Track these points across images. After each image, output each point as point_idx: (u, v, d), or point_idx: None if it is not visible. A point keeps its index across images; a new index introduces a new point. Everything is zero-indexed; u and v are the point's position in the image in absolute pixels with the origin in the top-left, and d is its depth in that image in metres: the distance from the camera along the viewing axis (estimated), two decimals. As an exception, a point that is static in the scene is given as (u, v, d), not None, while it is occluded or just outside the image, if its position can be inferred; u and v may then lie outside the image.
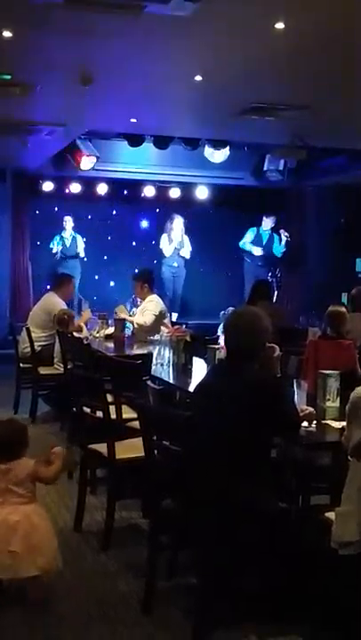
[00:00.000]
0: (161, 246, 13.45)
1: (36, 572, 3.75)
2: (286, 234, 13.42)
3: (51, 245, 13.27)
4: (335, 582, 3.41)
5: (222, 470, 3.50)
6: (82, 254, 13.42)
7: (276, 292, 12.17)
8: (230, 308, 11.79)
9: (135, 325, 8.02)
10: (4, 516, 3.78)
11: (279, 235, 13.44)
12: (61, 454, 4.05)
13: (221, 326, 10.44)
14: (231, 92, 7.82)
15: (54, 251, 13.26)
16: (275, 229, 13.57)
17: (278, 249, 13.51)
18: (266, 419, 3.59)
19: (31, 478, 3.91)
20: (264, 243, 13.55)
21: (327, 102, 8.04)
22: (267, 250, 13.55)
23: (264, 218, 13.54)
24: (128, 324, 8.26)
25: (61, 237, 13.34)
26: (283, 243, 13.43)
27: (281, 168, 12.80)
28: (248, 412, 3.54)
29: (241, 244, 13.58)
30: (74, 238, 13.38)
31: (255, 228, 13.59)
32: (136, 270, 8.97)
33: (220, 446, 3.52)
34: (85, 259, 13.54)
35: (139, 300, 8.52)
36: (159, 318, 8.03)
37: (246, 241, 13.54)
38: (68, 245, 13.34)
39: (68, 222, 13.37)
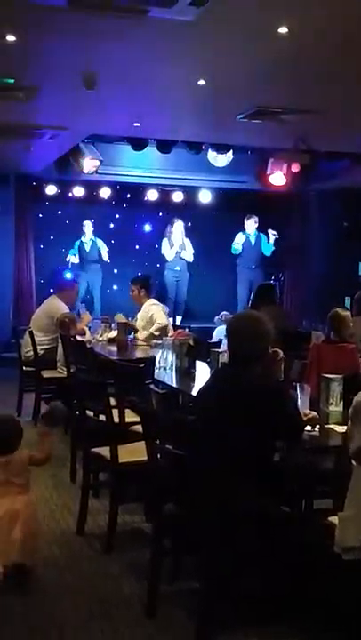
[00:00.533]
0: (162, 251, 13.46)
1: (35, 555, 4.15)
2: (274, 232, 13.45)
3: (70, 252, 13.29)
4: (338, 586, 3.41)
5: (225, 474, 3.50)
6: (105, 258, 13.38)
7: (279, 296, 12.17)
8: (224, 313, 11.88)
9: (141, 337, 7.98)
10: (8, 506, 4.05)
11: (267, 234, 13.47)
12: (46, 433, 4.49)
13: (216, 331, 10.48)
14: (234, 96, 7.83)
15: (69, 259, 13.28)
16: (260, 229, 13.59)
17: (268, 248, 13.52)
18: (268, 423, 3.59)
19: (27, 466, 4.23)
20: (253, 244, 13.55)
21: (331, 106, 8.04)
22: (257, 251, 13.56)
23: (246, 220, 13.54)
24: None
25: (81, 242, 13.36)
26: (271, 241, 13.45)
27: (284, 172, 12.81)
28: (250, 416, 3.54)
29: (233, 250, 13.59)
30: (94, 242, 13.39)
31: (242, 233, 13.61)
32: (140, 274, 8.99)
33: (222, 450, 3.52)
34: (108, 261, 13.53)
35: (138, 305, 8.49)
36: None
37: (238, 242, 13.54)
38: (87, 250, 13.36)
39: (88, 226, 13.38)
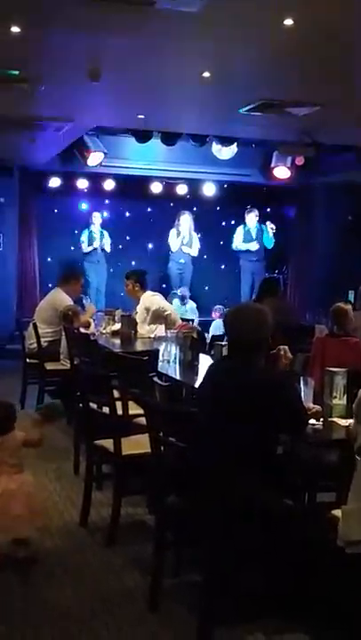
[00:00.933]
0: (169, 241, 13.47)
1: (33, 532, 4.37)
2: (272, 225, 13.47)
3: (81, 239, 13.32)
4: (340, 581, 3.41)
5: (228, 467, 3.49)
6: (107, 249, 13.48)
7: (283, 289, 12.17)
8: (218, 307, 11.87)
9: (141, 331, 7.96)
10: (4, 485, 4.20)
11: (266, 227, 13.50)
12: (39, 422, 4.61)
13: (213, 324, 10.47)
14: (239, 89, 7.81)
15: (85, 247, 13.31)
16: (262, 222, 13.60)
17: (269, 241, 13.53)
18: (272, 416, 3.59)
19: (20, 447, 4.39)
20: (255, 238, 13.56)
21: (336, 99, 8.01)
22: (259, 244, 13.59)
23: (246, 214, 13.54)
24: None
25: (90, 232, 13.37)
26: (270, 235, 13.48)
27: (289, 165, 12.79)
28: (254, 409, 3.54)
29: (234, 246, 13.61)
30: (102, 233, 13.42)
31: (242, 227, 13.62)
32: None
33: (225, 444, 3.52)
34: (110, 252, 13.62)
35: (134, 299, 8.42)
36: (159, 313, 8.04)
37: (238, 241, 13.56)
38: (96, 241, 13.40)
39: (97, 218, 13.41)
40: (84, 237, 13.39)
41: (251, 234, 13.56)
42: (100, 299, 13.02)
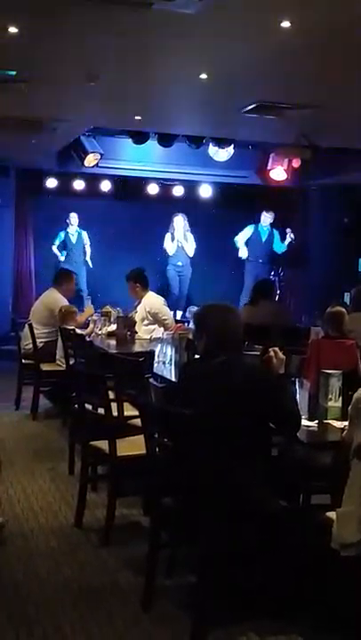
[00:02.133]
0: (164, 245, 13.47)
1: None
2: (292, 235, 13.47)
3: (54, 242, 13.30)
4: (336, 582, 3.41)
5: (223, 468, 3.50)
6: (87, 250, 13.46)
7: (278, 292, 12.18)
8: (192, 307, 11.85)
9: (139, 331, 7.96)
10: None
11: (283, 232, 13.48)
12: None
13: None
14: (236, 91, 7.82)
15: (55, 247, 13.29)
16: (274, 225, 13.60)
17: (280, 246, 13.54)
18: (267, 416, 3.60)
19: None
20: (264, 239, 13.57)
21: (333, 101, 8.02)
22: (267, 247, 13.58)
23: (263, 213, 13.55)
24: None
25: (66, 233, 13.37)
26: (286, 242, 13.48)
27: (285, 167, 12.80)
28: (249, 409, 3.54)
29: (235, 238, 13.59)
30: (79, 234, 13.40)
31: (253, 225, 13.62)
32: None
33: (220, 445, 3.52)
34: (91, 254, 13.59)
35: (136, 299, 8.42)
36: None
37: (240, 238, 13.55)
38: (74, 241, 13.37)
39: (73, 218, 13.40)
40: (57, 240, 13.34)
41: (261, 235, 13.55)
42: (81, 302, 12.96)
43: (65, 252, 13.38)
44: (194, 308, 12.05)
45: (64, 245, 13.40)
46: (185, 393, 3.91)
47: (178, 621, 3.65)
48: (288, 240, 13.48)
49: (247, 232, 13.60)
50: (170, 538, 4.02)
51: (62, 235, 13.36)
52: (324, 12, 5.51)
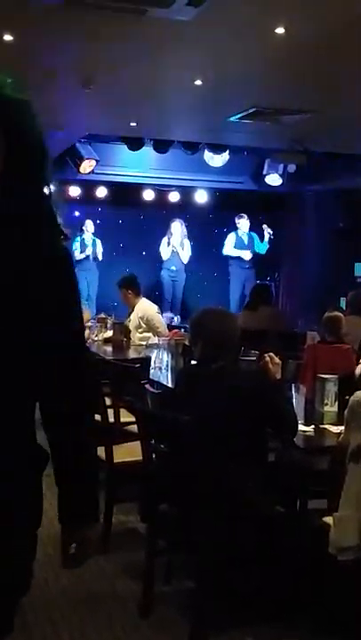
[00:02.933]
0: (160, 249, 13.49)
1: None
2: (270, 230, 13.48)
3: (74, 246, 13.28)
4: (334, 586, 3.41)
5: (220, 474, 3.50)
6: (100, 257, 13.44)
7: (274, 296, 12.19)
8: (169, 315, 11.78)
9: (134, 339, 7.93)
10: None
11: (259, 234, 13.50)
12: None
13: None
14: (231, 97, 7.84)
15: (77, 253, 13.28)
16: (253, 229, 13.62)
17: (261, 247, 13.56)
18: (265, 421, 3.60)
19: None
20: (247, 245, 13.57)
21: (327, 107, 8.05)
22: (250, 250, 13.60)
23: (237, 220, 13.54)
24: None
25: (82, 239, 13.36)
26: (265, 240, 13.48)
27: (281, 172, 12.83)
28: (247, 414, 3.54)
29: (225, 252, 13.59)
30: (94, 242, 13.40)
31: (234, 233, 13.63)
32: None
33: (217, 451, 3.52)
34: (101, 259, 13.61)
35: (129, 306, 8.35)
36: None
37: (229, 247, 13.56)
38: (88, 248, 13.36)
39: (89, 225, 13.39)
40: (77, 245, 13.37)
41: (243, 240, 13.57)
42: (91, 306, 13.00)
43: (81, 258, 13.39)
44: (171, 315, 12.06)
45: (81, 251, 13.39)
46: (182, 399, 3.91)
47: (177, 627, 3.65)
48: (267, 237, 13.49)
49: (231, 240, 13.60)
50: (167, 544, 4.02)
51: (78, 240, 13.33)
52: (319, 19, 5.53)
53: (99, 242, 13.45)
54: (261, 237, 13.65)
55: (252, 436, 3.60)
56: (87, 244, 13.35)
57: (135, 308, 8.05)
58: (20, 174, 1.81)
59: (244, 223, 13.57)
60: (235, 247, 13.60)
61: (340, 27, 5.65)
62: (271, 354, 3.85)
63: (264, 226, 13.60)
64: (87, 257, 13.33)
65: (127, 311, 8.43)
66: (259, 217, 14.05)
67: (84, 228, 13.37)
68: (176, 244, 13.40)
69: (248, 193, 13.83)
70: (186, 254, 13.46)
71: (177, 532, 3.85)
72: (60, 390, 1.84)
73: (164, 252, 13.44)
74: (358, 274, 13.09)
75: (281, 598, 3.60)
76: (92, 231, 13.45)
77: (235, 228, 13.77)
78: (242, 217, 13.58)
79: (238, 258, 13.58)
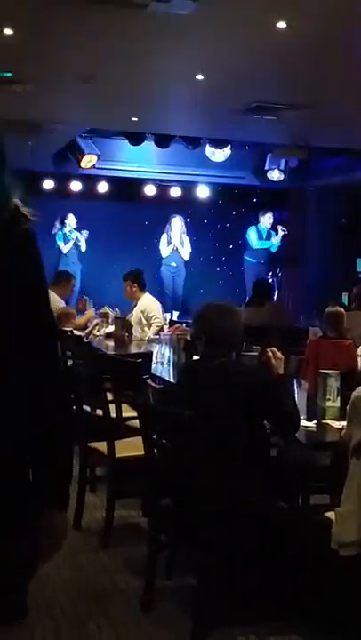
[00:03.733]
0: (160, 246, 13.46)
1: None
2: (284, 229, 13.50)
3: (58, 242, 13.32)
4: (335, 583, 3.41)
5: (222, 470, 3.49)
6: (83, 249, 13.50)
7: (276, 292, 12.19)
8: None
9: (151, 334, 7.94)
10: None
11: (276, 230, 13.51)
12: None
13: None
14: (232, 91, 7.82)
15: (62, 247, 13.31)
16: (273, 226, 13.64)
17: (274, 244, 13.57)
18: (267, 416, 3.59)
19: None
20: (265, 239, 13.61)
21: (329, 102, 8.03)
22: (267, 247, 13.63)
23: (262, 215, 13.56)
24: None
25: (64, 234, 13.38)
26: (278, 237, 13.50)
27: (282, 168, 12.80)
28: (249, 409, 3.54)
29: (256, 245, 13.57)
30: (73, 234, 13.41)
31: (254, 227, 13.64)
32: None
33: (219, 445, 3.52)
34: (85, 254, 13.66)
35: (132, 301, 8.41)
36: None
37: (255, 241, 13.58)
38: (71, 242, 13.41)
39: (70, 219, 13.41)
40: (59, 240, 13.41)
41: (262, 235, 13.59)
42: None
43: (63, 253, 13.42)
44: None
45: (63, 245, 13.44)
46: (184, 394, 3.91)
47: (178, 622, 3.65)
48: (280, 234, 13.50)
49: (254, 234, 13.63)
50: (169, 539, 4.02)
51: (60, 235, 13.37)
52: (320, 13, 5.51)
53: (79, 234, 13.50)
54: (275, 235, 13.66)
55: (254, 431, 3.59)
56: (70, 237, 13.37)
57: (138, 303, 8.11)
58: None
59: (267, 219, 13.58)
60: (258, 240, 13.62)
61: (342, 21, 5.64)
62: (274, 349, 3.84)
63: (279, 226, 13.62)
64: (70, 250, 13.35)
65: (130, 305, 8.47)
66: (263, 212, 14.02)
67: (65, 221, 13.39)
68: (176, 241, 13.36)
69: (250, 188, 13.81)
70: (186, 251, 13.44)
71: (178, 527, 3.85)
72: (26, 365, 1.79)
73: (164, 249, 13.41)
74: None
75: (282, 595, 3.60)
76: (74, 223, 13.46)
77: (237, 223, 13.74)
78: (266, 213, 13.62)
79: (255, 253, 13.60)
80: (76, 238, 13.49)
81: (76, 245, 13.42)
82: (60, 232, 13.43)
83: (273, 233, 13.65)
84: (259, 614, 3.66)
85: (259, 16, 5.61)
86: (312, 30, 5.86)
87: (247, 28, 5.86)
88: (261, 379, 3.72)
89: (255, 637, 3.53)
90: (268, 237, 13.64)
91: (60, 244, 13.36)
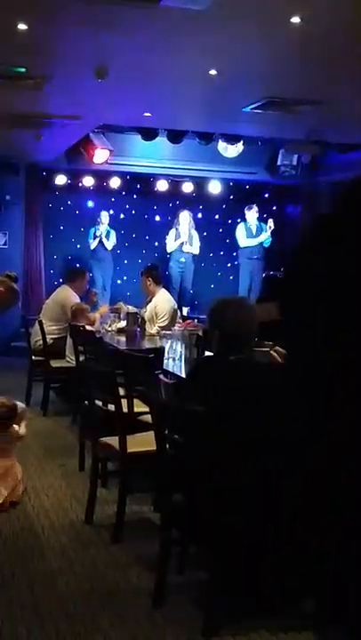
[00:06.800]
0: (166, 241, 13.38)
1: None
2: (271, 224, 13.37)
3: (89, 240, 13.29)
4: (345, 578, 3.40)
5: (233, 466, 3.49)
6: (109, 247, 13.37)
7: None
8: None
9: (153, 331, 7.98)
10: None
11: (266, 224, 13.43)
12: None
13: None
14: (246, 87, 7.81)
15: (92, 243, 13.30)
16: (262, 220, 13.52)
17: (266, 240, 13.45)
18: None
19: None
20: (255, 235, 13.45)
21: (342, 97, 8.00)
22: (259, 242, 13.52)
23: (246, 211, 13.42)
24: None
25: (97, 230, 13.33)
26: (268, 233, 13.36)
27: (295, 163, 12.76)
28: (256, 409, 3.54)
29: (241, 245, 13.45)
30: (108, 232, 13.38)
31: (243, 223, 13.51)
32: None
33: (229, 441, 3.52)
34: (118, 251, 13.68)
35: (148, 295, 8.52)
36: (173, 316, 8.10)
37: (243, 239, 13.43)
38: (103, 240, 13.35)
39: (104, 217, 13.39)
40: (90, 236, 13.38)
41: (251, 231, 13.47)
42: (106, 296, 13.03)
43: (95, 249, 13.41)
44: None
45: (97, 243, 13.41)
46: (198, 390, 3.91)
47: (190, 617, 3.66)
48: (269, 230, 13.35)
49: (242, 231, 13.49)
50: (181, 534, 4.03)
51: (93, 231, 13.32)
52: (334, 8, 5.49)
53: (113, 233, 13.42)
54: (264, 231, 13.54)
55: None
56: (102, 235, 13.30)
57: (154, 299, 8.20)
58: None
59: (252, 214, 13.43)
60: (247, 237, 13.51)
61: (356, 15, 5.61)
62: (278, 348, 3.85)
63: (270, 220, 13.51)
64: (101, 247, 13.31)
65: (144, 301, 8.54)
66: (272, 208, 13.99)
67: (99, 219, 13.35)
68: (185, 236, 13.29)
69: (262, 184, 13.77)
70: (196, 246, 13.36)
71: (190, 522, 3.85)
72: None
73: (171, 244, 13.28)
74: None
75: (296, 589, 3.60)
76: (108, 222, 13.43)
77: (244, 218, 13.70)
78: (251, 207, 13.47)
79: (245, 249, 13.47)
80: (107, 234, 13.37)
81: (102, 242, 13.34)
82: (93, 228, 13.38)
83: (263, 227, 13.45)
84: (271, 610, 3.66)
85: (273, 11, 5.59)
86: (326, 25, 5.83)
87: (261, 22, 5.84)
88: (275, 384, 3.70)
89: (267, 632, 3.54)
90: (258, 233, 13.46)
91: (90, 240, 13.33)
